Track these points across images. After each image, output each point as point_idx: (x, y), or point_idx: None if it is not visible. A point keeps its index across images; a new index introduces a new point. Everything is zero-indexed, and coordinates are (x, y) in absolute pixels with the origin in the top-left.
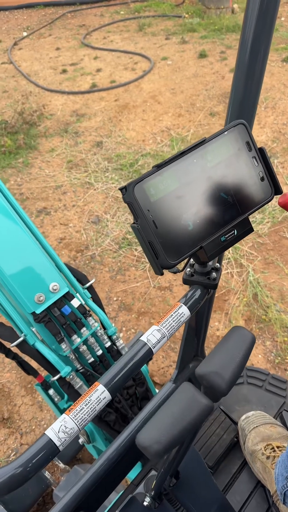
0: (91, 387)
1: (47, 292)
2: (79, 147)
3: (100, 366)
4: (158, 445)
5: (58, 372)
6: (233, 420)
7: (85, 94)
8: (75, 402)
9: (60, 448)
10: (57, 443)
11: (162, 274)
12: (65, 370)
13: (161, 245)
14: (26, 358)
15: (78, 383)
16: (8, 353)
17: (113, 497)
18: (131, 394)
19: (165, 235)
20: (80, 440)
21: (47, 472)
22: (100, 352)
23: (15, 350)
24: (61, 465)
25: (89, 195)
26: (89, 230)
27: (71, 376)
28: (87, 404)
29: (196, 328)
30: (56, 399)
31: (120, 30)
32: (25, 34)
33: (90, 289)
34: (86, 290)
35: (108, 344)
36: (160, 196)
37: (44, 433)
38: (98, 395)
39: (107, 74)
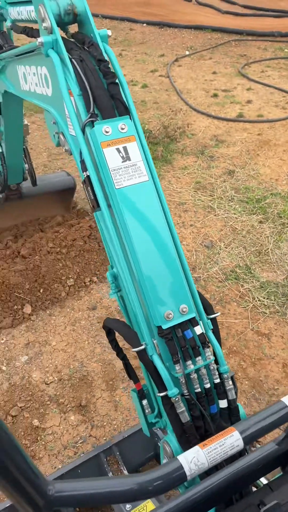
0: (226, 430)
1: (176, 311)
2: (211, 171)
3: (204, 399)
4: None
5: (165, 389)
6: None
7: (230, 121)
8: (210, 440)
9: (188, 478)
10: (188, 472)
11: None
12: (173, 391)
13: None
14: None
15: (181, 407)
16: (120, 352)
17: None
18: None
19: None
20: None
21: None
22: (208, 385)
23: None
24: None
25: (208, 219)
26: (200, 253)
27: (176, 399)
28: (221, 445)
29: None
30: (146, 411)
31: (280, 67)
32: (187, 52)
33: (213, 320)
34: (209, 321)
35: (217, 380)
36: None
37: (176, 457)
38: (232, 441)
39: (256, 107)
